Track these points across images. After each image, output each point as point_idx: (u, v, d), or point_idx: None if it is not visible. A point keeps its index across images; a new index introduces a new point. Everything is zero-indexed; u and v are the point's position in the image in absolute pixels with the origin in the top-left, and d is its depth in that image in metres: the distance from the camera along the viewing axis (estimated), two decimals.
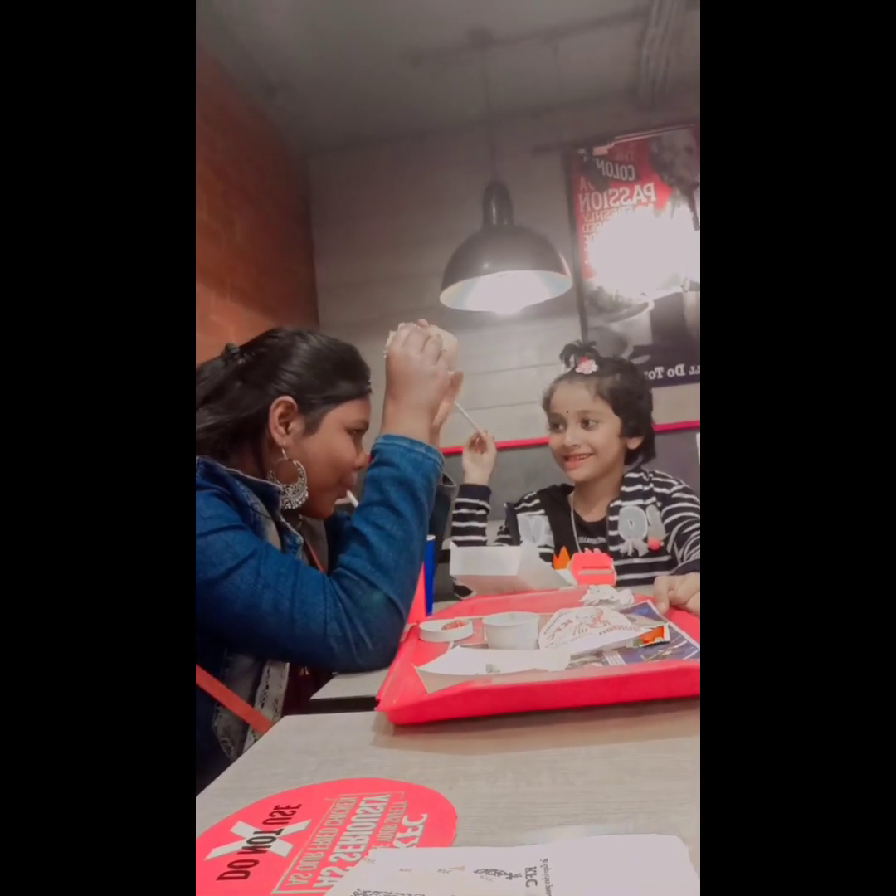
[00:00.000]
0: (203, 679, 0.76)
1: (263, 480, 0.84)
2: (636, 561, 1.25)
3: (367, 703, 0.59)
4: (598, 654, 0.68)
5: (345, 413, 0.92)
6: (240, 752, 0.77)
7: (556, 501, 1.39)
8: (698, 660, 0.58)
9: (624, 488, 1.31)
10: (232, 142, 2.55)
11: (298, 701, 0.90)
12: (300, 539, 0.87)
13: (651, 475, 1.34)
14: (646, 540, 1.25)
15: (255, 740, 0.78)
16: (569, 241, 3.00)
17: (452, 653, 0.68)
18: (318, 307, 3.27)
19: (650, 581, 1.24)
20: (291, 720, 0.63)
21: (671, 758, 0.45)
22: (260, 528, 0.81)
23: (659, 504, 1.28)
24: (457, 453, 3.39)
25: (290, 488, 0.88)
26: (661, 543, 1.25)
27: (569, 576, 1.07)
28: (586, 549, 1.29)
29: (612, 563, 1.10)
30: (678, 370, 2.94)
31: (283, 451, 0.89)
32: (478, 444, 1.36)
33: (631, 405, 1.31)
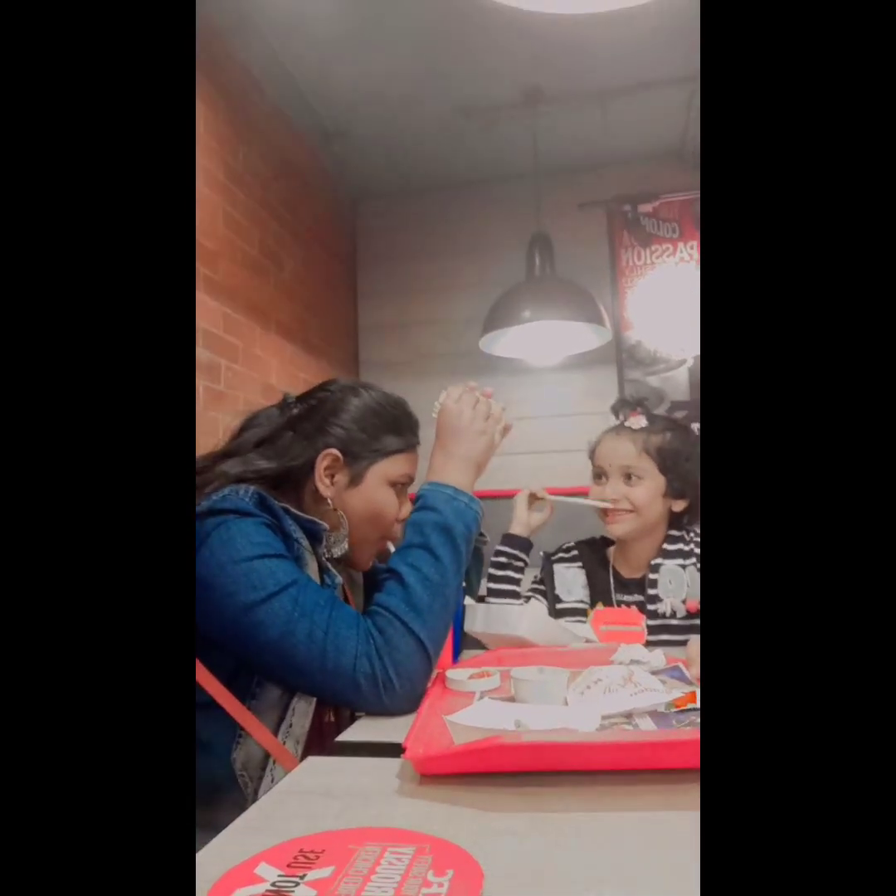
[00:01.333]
0: (230, 705, 0.77)
1: (311, 518, 0.86)
2: (673, 622, 1.22)
3: (390, 750, 0.59)
4: (628, 715, 0.66)
5: (389, 467, 0.93)
6: (257, 789, 0.77)
7: (595, 554, 1.36)
8: None
9: (665, 546, 1.28)
10: (287, 184, 2.65)
11: (320, 745, 0.90)
12: (339, 579, 0.88)
13: (692, 534, 1.31)
14: (684, 601, 1.23)
15: (274, 777, 0.77)
16: (609, 294, 3.03)
17: (480, 705, 0.67)
18: (358, 346, 3.32)
19: (680, 644, 1.22)
20: (315, 761, 0.62)
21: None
22: (303, 563, 0.83)
23: (699, 565, 1.25)
24: (494, 497, 3.36)
25: (331, 537, 0.89)
26: (699, 605, 1.22)
27: (590, 631, 1.04)
28: (623, 605, 1.26)
29: (644, 621, 1.08)
30: None
31: (329, 502, 0.90)
32: (538, 500, 1.35)
33: (678, 466, 1.28)
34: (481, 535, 1.11)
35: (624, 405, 1.35)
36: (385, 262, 3.32)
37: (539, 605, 1.03)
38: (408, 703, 0.76)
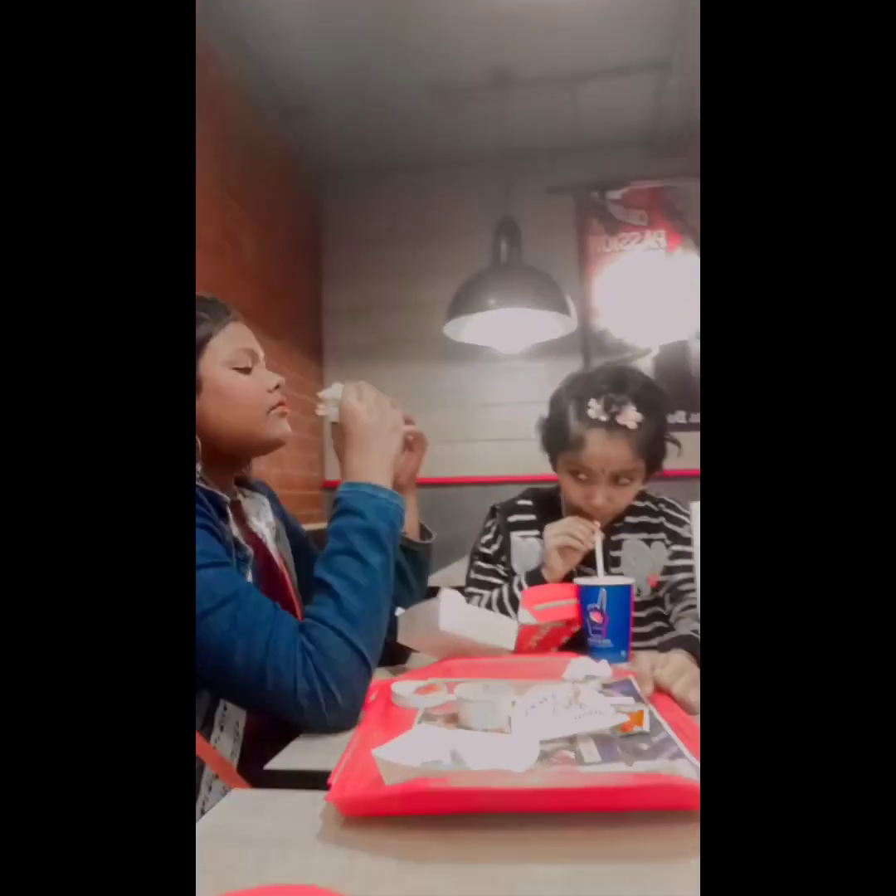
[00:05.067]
0: None
1: (212, 490, 0.81)
2: (636, 600, 1.09)
3: (323, 779, 0.55)
4: (571, 739, 0.64)
5: (215, 352, 0.86)
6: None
7: (550, 516, 1.20)
8: (674, 772, 0.54)
9: (628, 519, 1.17)
10: (246, 162, 2.56)
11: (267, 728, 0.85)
12: (250, 551, 0.84)
13: (661, 505, 1.19)
14: (647, 579, 1.13)
15: (211, 787, 0.74)
16: (577, 281, 3.00)
17: (416, 731, 0.64)
18: (322, 330, 3.25)
19: (643, 623, 1.15)
20: (237, 797, 0.59)
21: (639, 890, 0.41)
22: (230, 550, 0.79)
23: (668, 542, 1.16)
24: (461, 484, 3.28)
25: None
26: (659, 581, 1.15)
27: (526, 614, 1.00)
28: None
29: (572, 595, 1.02)
30: (679, 417, 2.92)
31: None
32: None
33: (660, 454, 1.14)
34: (425, 532, 1.04)
35: (618, 395, 1.10)
36: (349, 245, 3.25)
37: (453, 594, 0.94)
38: (350, 718, 0.74)
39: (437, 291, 2.91)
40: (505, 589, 1.14)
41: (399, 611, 0.91)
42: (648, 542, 1.17)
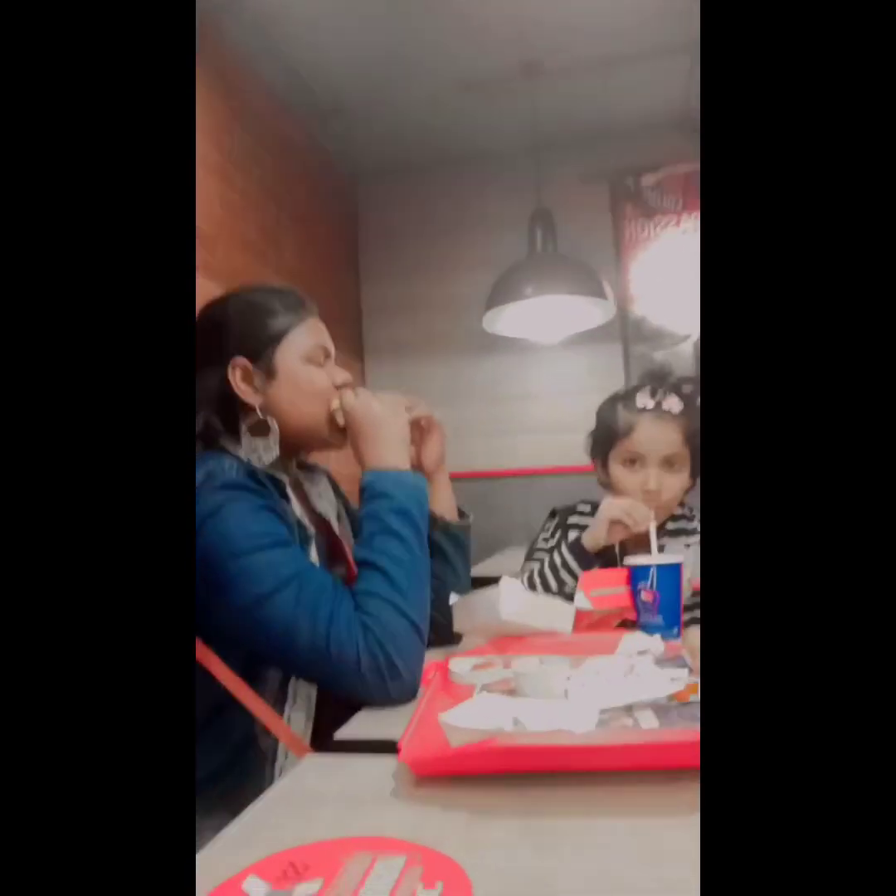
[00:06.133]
0: (244, 695, 0.77)
1: (272, 473, 0.84)
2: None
3: (390, 747, 0.58)
4: (628, 708, 0.66)
5: (294, 345, 0.90)
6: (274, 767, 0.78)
7: None
8: None
9: (669, 525, 1.24)
10: (283, 164, 2.61)
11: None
12: (312, 531, 0.88)
13: (694, 512, 1.26)
14: (688, 581, 1.19)
15: (287, 754, 0.77)
16: (613, 269, 2.98)
17: (478, 699, 0.66)
18: (362, 328, 3.30)
19: (690, 624, 1.19)
20: (313, 761, 0.62)
21: (693, 836, 0.43)
22: (293, 532, 0.82)
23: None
24: (500, 476, 3.28)
25: (260, 444, 0.86)
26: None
27: (582, 599, 1.02)
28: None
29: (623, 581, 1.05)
30: None
31: (258, 411, 0.88)
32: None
33: (699, 447, 1.21)
34: (462, 513, 1.06)
35: (656, 381, 1.22)
36: (386, 241, 3.28)
37: (513, 582, 0.97)
38: (411, 690, 0.76)
39: (473, 285, 2.92)
40: (547, 558, 1.18)
41: (453, 598, 0.93)
42: (687, 546, 1.22)
